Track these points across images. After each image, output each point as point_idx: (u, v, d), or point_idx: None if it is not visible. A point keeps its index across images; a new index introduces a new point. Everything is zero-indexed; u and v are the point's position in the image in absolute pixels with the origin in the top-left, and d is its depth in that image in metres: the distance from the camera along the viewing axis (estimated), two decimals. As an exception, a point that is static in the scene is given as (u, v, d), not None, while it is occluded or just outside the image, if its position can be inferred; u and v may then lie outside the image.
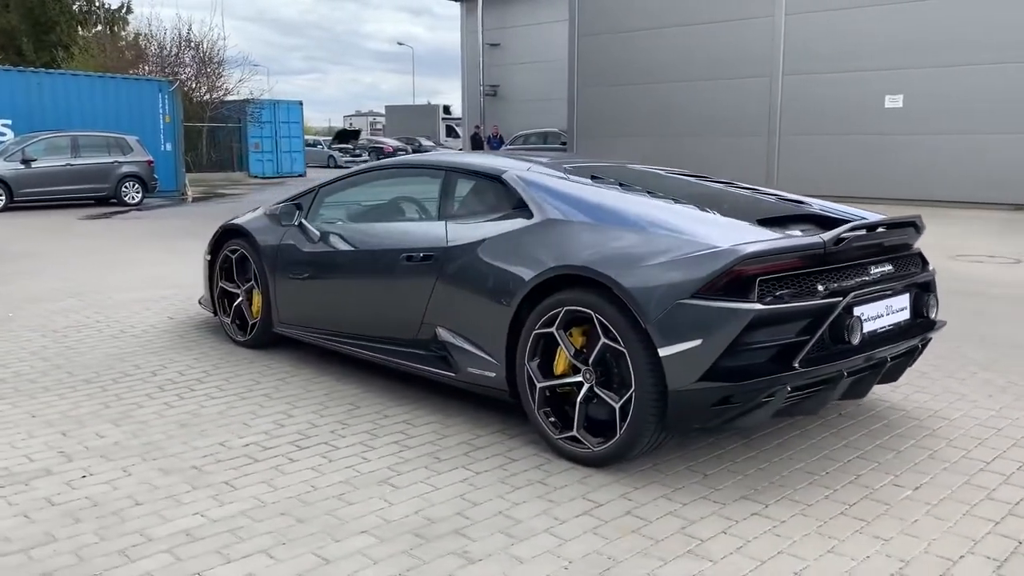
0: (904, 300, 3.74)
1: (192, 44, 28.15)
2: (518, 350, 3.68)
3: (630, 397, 3.26)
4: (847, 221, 3.73)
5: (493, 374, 3.82)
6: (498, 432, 3.87)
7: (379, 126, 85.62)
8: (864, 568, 2.64)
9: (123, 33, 35.47)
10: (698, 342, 3.09)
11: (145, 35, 29.84)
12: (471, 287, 3.91)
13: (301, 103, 31.38)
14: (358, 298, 4.54)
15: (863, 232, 3.46)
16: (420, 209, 4.74)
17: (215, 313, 5.71)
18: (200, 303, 6.03)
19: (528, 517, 2.99)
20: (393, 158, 5.25)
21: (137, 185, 17.45)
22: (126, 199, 17.26)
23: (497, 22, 31.10)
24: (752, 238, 3.25)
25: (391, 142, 47.88)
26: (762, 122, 18.15)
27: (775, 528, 2.92)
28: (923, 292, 3.88)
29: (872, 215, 3.96)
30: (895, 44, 16.12)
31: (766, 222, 3.59)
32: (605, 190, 3.87)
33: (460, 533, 2.87)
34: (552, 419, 3.59)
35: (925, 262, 4.02)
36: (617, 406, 3.31)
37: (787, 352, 3.18)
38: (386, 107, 59.04)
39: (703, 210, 3.63)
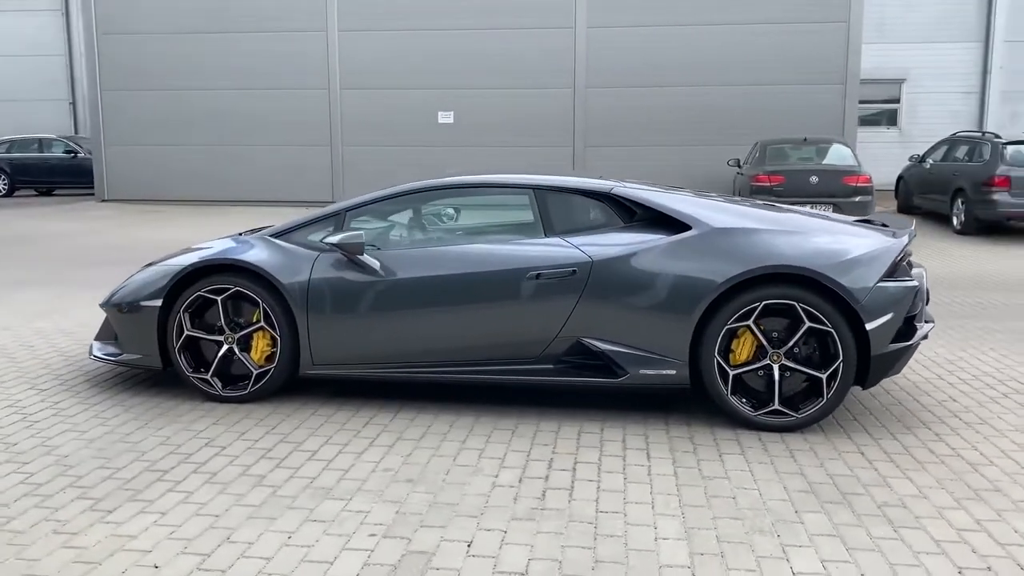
0: None
1: None
2: (704, 345, 4.18)
3: (837, 367, 4.09)
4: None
5: (673, 371, 4.23)
6: (668, 426, 4.28)
7: None
8: None
9: None
10: (891, 315, 4.10)
11: None
12: (636, 295, 4.22)
13: None
14: (459, 323, 4.37)
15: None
16: (505, 228, 4.69)
17: (162, 369, 4.63)
18: (106, 359, 4.73)
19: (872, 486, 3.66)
20: (438, 179, 4.72)
21: None
22: None
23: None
24: (874, 234, 4.33)
25: None
26: (323, 132, 18.72)
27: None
28: None
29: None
30: (445, 67, 18.20)
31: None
32: (736, 203, 4.56)
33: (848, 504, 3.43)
34: (743, 399, 4.20)
35: None
36: (824, 376, 4.11)
37: (913, 316, 4.36)
38: None
39: (807, 216, 4.58)
